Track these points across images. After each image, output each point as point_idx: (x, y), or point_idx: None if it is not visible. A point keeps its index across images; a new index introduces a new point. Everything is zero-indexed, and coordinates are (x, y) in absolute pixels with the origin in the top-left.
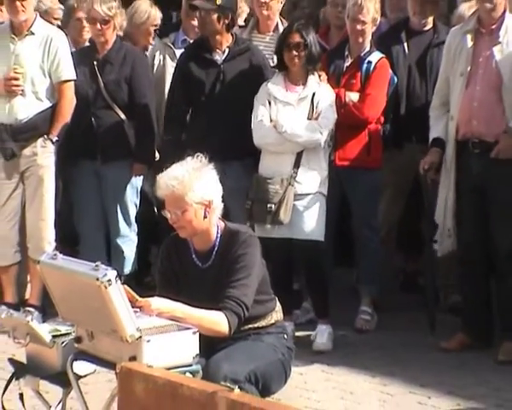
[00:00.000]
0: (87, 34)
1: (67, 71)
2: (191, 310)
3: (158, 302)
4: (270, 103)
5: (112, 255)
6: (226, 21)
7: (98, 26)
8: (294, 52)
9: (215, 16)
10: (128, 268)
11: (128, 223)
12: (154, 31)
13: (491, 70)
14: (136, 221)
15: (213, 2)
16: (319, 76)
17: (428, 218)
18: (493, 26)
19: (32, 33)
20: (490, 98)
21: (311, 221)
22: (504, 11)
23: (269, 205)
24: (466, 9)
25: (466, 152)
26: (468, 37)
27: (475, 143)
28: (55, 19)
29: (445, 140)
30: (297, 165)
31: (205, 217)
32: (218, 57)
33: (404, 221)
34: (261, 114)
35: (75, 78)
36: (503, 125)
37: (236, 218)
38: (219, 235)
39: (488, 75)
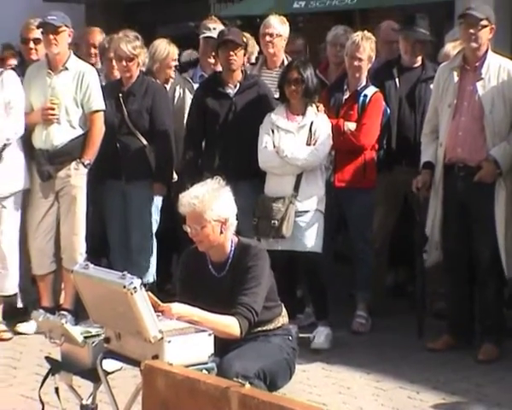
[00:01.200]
0: (116, 72)
1: (98, 102)
2: (207, 315)
3: (178, 307)
4: (273, 131)
5: (134, 266)
6: (246, 58)
7: (124, 62)
8: (293, 87)
9: (242, 52)
10: (148, 278)
11: (149, 237)
12: (175, 66)
13: (474, 103)
14: (157, 235)
15: (242, 40)
16: (317, 107)
17: (420, 231)
18: (477, 64)
19: (67, 69)
20: (473, 128)
21: (310, 235)
22: (487, 50)
23: (272, 221)
24: (451, 49)
25: (452, 174)
26: (455, 73)
27: (460, 167)
28: None
29: (435, 163)
30: (297, 185)
31: (221, 232)
32: (231, 91)
33: (396, 236)
34: (265, 141)
35: (104, 108)
36: (483, 152)
37: (245, 232)
38: (233, 248)
39: (472, 107)
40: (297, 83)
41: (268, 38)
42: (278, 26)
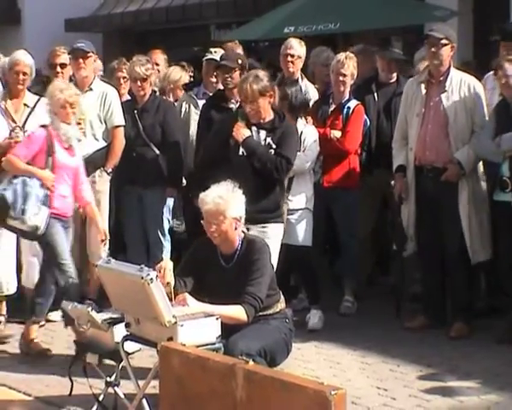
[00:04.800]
0: (123, 90)
1: (119, 118)
2: (217, 308)
3: (192, 303)
4: None
5: (150, 259)
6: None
7: (138, 83)
8: (281, 102)
9: (238, 73)
10: None
11: (163, 234)
12: (182, 86)
13: (439, 112)
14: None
15: (235, 62)
16: (306, 119)
17: (400, 231)
18: (441, 78)
19: (91, 89)
20: (439, 134)
21: (301, 231)
22: (449, 66)
23: None
24: (422, 66)
25: (422, 175)
26: (422, 86)
27: (428, 168)
28: None
29: (406, 166)
30: (289, 187)
31: (235, 229)
32: (233, 105)
33: (377, 231)
34: None
35: (124, 124)
36: (449, 155)
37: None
38: (241, 242)
39: (437, 116)
40: (284, 99)
41: (289, 59)
42: (298, 48)
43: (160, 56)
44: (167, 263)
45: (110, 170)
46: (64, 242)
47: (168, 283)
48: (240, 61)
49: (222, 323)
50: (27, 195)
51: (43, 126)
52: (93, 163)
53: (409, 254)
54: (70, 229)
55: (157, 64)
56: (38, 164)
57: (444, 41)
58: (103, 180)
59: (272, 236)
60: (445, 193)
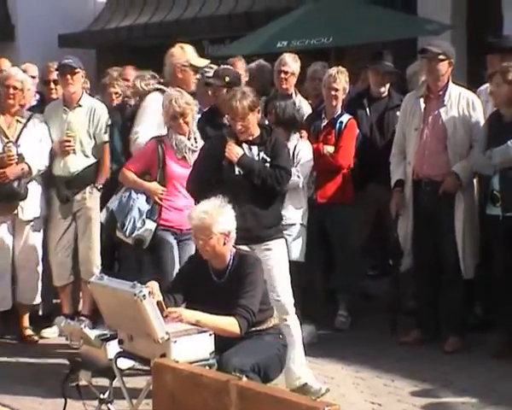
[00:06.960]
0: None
1: (108, 134)
2: (210, 317)
3: (186, 312)
4: None
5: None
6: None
7: (138, 98)
8: (269, 116)
9: (224, 91)
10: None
11: None
12: None
13: (438, 127)
14: None
15: (222, 80)
16: (300, 134)
17: (395, 246)
18: (440, 93)
19: (80, 105)
20: (437, 149)
21: (294, 246)
22: (448, 81)
23: None
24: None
25: (420, 189)
26: (421, 100)
27: (426, 182)
28: None
29: (404, 181)
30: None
31: (224, 244)
32: (226, 121)
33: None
34: None
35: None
36: (447, 169)
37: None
38: (232, 257)
39: (436, 131)
40: (271, 113)
41: (282, 75)
42: (292, 64)
43: (131, 72)
44: (154, 284)
45: (100, 186)
46: (171, 256)
47: (158, 302)
48: (227, 79)
49: (215, 338)
50: (130, 209)
51: (156, 138)
52: (83, 180)
53: (405, 269)
54: (191, 242)
55: (127, 80)
56: (154, 176)
57: (441, 56)
58: (94, 196)
59: (279, 251)
60: (442, 207)
